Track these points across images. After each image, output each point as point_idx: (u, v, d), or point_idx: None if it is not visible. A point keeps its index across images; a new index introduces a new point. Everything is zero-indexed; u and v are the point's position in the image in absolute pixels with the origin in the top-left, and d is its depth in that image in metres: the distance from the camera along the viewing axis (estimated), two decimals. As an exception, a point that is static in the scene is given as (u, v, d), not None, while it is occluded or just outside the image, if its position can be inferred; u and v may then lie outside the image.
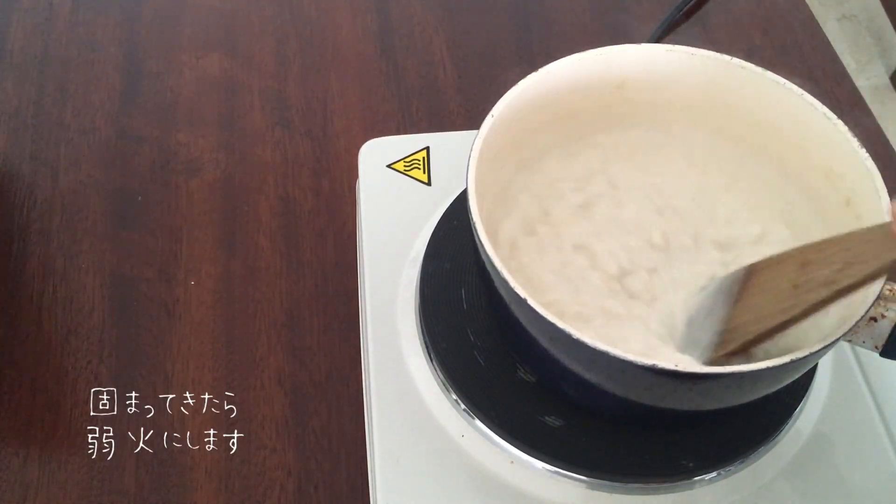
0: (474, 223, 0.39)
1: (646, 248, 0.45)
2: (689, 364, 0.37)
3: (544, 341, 0.39)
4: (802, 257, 0.40)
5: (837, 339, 0.37)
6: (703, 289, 0.44)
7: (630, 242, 0.45)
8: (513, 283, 0.37)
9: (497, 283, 0.39)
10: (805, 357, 0.36)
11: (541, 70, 0.45)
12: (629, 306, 0.43)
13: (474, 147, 0.42)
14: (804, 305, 0.38)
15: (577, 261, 0.45)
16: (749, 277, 0.42)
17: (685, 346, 0.42)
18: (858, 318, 0.37)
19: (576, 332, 0.36)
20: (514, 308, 0.39)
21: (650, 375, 0.36)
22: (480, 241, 0.39)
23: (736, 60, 0.45)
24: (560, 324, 0.36)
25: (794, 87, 0.44)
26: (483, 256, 0.39)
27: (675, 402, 0.40)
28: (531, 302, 0.37)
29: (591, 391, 0.41)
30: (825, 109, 0.43)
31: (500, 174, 0.46)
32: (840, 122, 0.43)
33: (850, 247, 0.38)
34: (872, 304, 0.37)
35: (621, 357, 0.36)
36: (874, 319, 0.40)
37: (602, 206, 0.47)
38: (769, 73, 0.45)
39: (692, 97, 0.47)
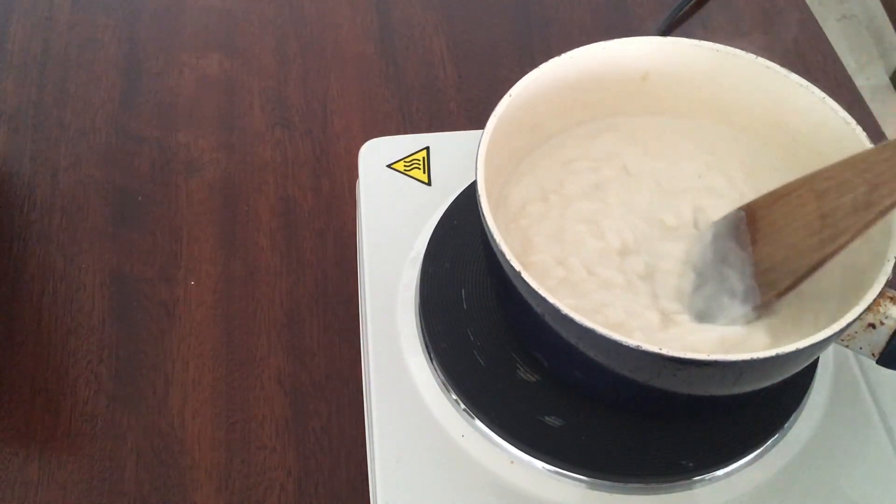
0: (478, 190, 0.40)
1: (655, 231, 0.45)
2: (671, 347, 0.37)
3: (537, 310, 0.39)
4: (811, 187, 0.40)
5: (828, 339, 0.37)
6: (698, 240, 0.44)
7: (640, 225, 0.45)
8: (510, 257, 0.38)
9: (493, 247, 0.39)
10: (791, 353, 0.36)
11: (563, 55, 0.45)
12: (626, 274, 0.43)
13: (488, 126, 0.42)
14: (851, 231, 0.38)
15: (578, 230, 0.45)
16: (756, 217, 0.42)
17: (703, 307, 0.42)
18: (851, 320, 0.37)
19: (564, 308, 0.36)
20: (504, 267, 0.39)
21: (637, 357, 0.36)
22: (481, 205, 0.39)
23: (761, 60, 0.45)
24: (548, 297, 0.37)
25: (816, 90, 0.44)
26: (486, 229, 0.40)
27: (663, 383, 0.40)
28: (514, 263, 0.37)
29: (589, 372, 0.41)
30: (845, 114, 0.43)
31: (513, 153, 0.46)
32: (859, 128, 0.42)
33: (867, 168, 0.38)
34: (869, 310, 0.37)
35: (611, 338, 0.36)
36: (872, 326, 0.40)
37: (614, 190, 0.47)
38: (793, 75, 0.44)
39: (714, 93, 0.47)
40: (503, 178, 0.46)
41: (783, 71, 0.45)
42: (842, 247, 0.38)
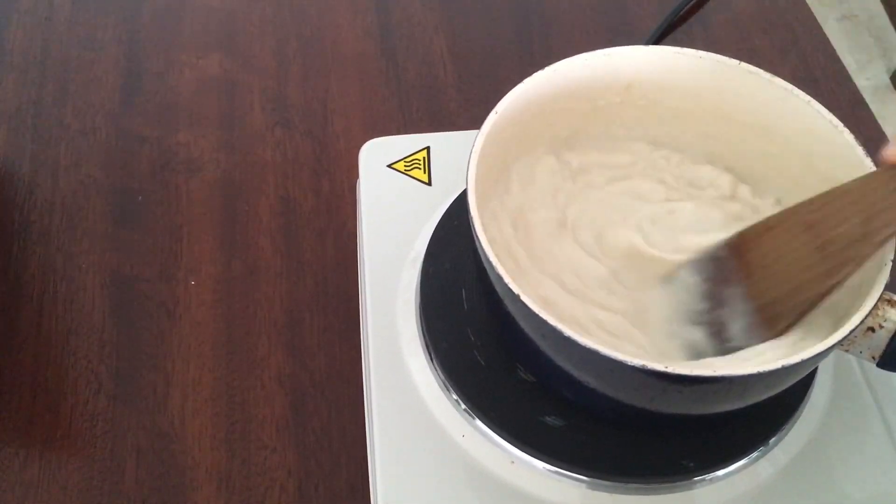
0: (472, 217, 0.40)
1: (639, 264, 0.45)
2: (679, 366, 0.37)
3: (536, 337, 0.39)
4: (800, 219, 0.40)
5: (831, 348, 0.37)
6: (668, 281, 0.43)
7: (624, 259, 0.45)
8: (507, 279, 0.38)
9: (493, 280, 0.39)
10: (797, 364, 0.36)
11: (547, 69, 0.45)
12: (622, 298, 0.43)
13: (476, 143, 0.42)
14: (852, 263, 0.38)
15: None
16: (743, 251, 0.41)
17: (700, 348, 0.41)
18: (853, 326, 0.37)
19: (567, 330, 0.36)
20: (507, 303, 0.39)
21: (640, 377, 0.36)
22: (477, 235, 0.39)
23: (745, 65, 0.45)
24: (552, 321, 0.36)
25: (802, 94, 0.44)
26: (480, 252, 0.40)
27: (666, 404, 0.40)
28: (524, 298, 0.37)
29: (587, 392, 0.41)
30: (832, 117, 0.43)
31: (500, 170, 0.46)
32: (846, 131, 0.42)
33: (858, 199, 0.38)
34: (869, 314, 0.37)
35: (612, 356, 0.36)
36: (871, 330, 0.40)
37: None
38: (778, 80, 0.44)
39: (699, 101, 0.47)
40: (487, 198, 0.46)
41: (767, 76, 0.44)
42: (846, 277, 0.38)
